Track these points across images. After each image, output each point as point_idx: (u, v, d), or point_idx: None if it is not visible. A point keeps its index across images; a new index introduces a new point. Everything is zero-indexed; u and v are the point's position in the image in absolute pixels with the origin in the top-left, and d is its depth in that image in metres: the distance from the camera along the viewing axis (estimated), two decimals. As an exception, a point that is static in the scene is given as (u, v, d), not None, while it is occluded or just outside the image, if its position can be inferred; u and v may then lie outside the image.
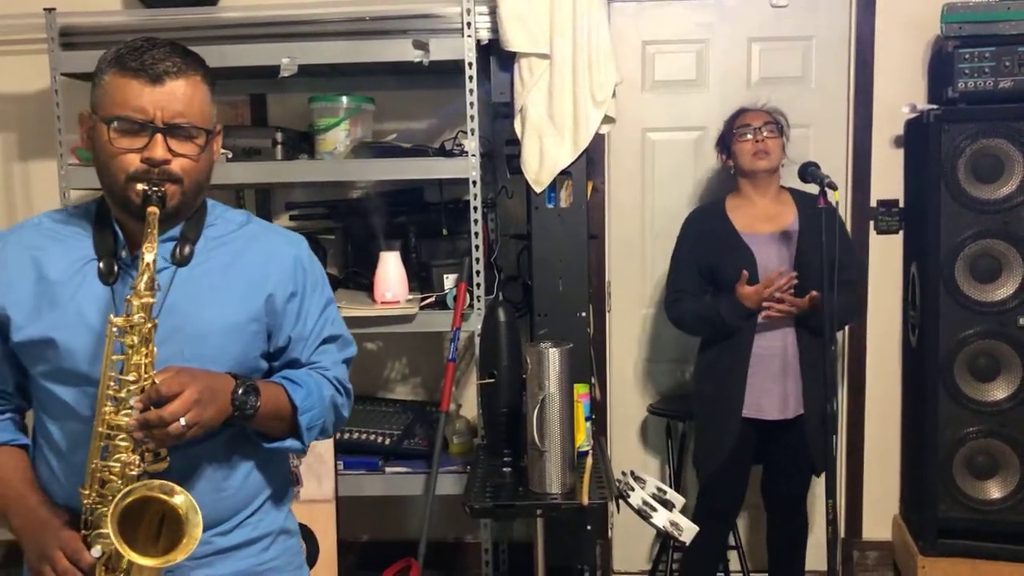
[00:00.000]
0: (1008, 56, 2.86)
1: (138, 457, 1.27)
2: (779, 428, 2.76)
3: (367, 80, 3.18)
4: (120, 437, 1.27)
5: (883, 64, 3.24)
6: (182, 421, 1.22)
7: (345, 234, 3.20)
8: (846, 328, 3.32)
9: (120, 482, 1.27)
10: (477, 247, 2.75)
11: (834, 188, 2.39)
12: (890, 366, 3.35)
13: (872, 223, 3.28)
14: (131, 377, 1.26)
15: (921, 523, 3.07)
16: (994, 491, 2.96)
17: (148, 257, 1.28)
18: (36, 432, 1.45)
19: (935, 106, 2.97)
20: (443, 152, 2.86)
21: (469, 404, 3.32)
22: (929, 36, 3.17)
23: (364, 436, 2.96)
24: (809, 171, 2.56)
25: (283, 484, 1.56)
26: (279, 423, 1.43)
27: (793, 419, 2.74)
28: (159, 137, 1.31)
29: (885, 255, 3.30)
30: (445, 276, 2.86)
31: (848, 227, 3.27)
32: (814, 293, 2.59)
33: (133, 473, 1.27)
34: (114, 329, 1.28)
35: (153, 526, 1.29)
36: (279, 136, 2.87)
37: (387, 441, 2.95)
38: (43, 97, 3.16)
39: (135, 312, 1.27)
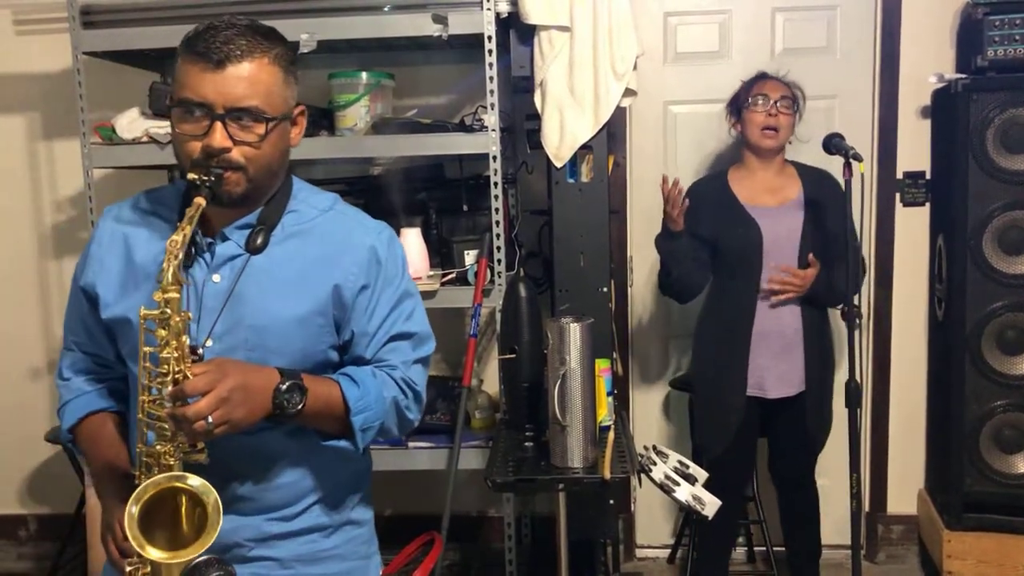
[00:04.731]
0: (1040, 23, 2.80)
1: (173, 447, 1.27)
2: (781, 405, 2.75)
3: (386, 56, 3.17)
4: (161, 425, 1.27)
5: (909, 33, 3.17)
6: (209, 419, 1.20)
7: (366, 210, 3.18)
8: (871, 302, 3.29)
9: (158, 470, 1.27)
10: (498, 223, 2.74)
11: (859, 160, 2.36)
12: (916, 340, 3.31)
13: (898, 195, 3.24)
14: (163, 369, 1.24)
15: (947, 497, 3.04)
16: (1021, 465, 2.93)
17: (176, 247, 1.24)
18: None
19: (963, 75, 2.91)
20: (463, 127, 2.84)
21: (491, 379, 3.33)
22: (957, 3, 3.11)
23: (387, 411, 2.98)
24: (834, 143, 2.53)
25: (350, 476, 1.51)
26: (332, 422, 1.38)
27: (795, 396, 2.73)
28: (218, 124, 1.28)
29: (911, 227, 3.25)
30: (466, 252, 2.86)
31: (874, 199, 3.24)
32: (812, 258, 2.61)
33: (170, 462, 1.27)
34: (143, 322, 1.25)
35: (187, 511, 1.28)
36: (299, 113, 2.87)
37: (410, 416, 2.97)
38: (66, 76, 3.18)
39: (160, 307, 1.24)
